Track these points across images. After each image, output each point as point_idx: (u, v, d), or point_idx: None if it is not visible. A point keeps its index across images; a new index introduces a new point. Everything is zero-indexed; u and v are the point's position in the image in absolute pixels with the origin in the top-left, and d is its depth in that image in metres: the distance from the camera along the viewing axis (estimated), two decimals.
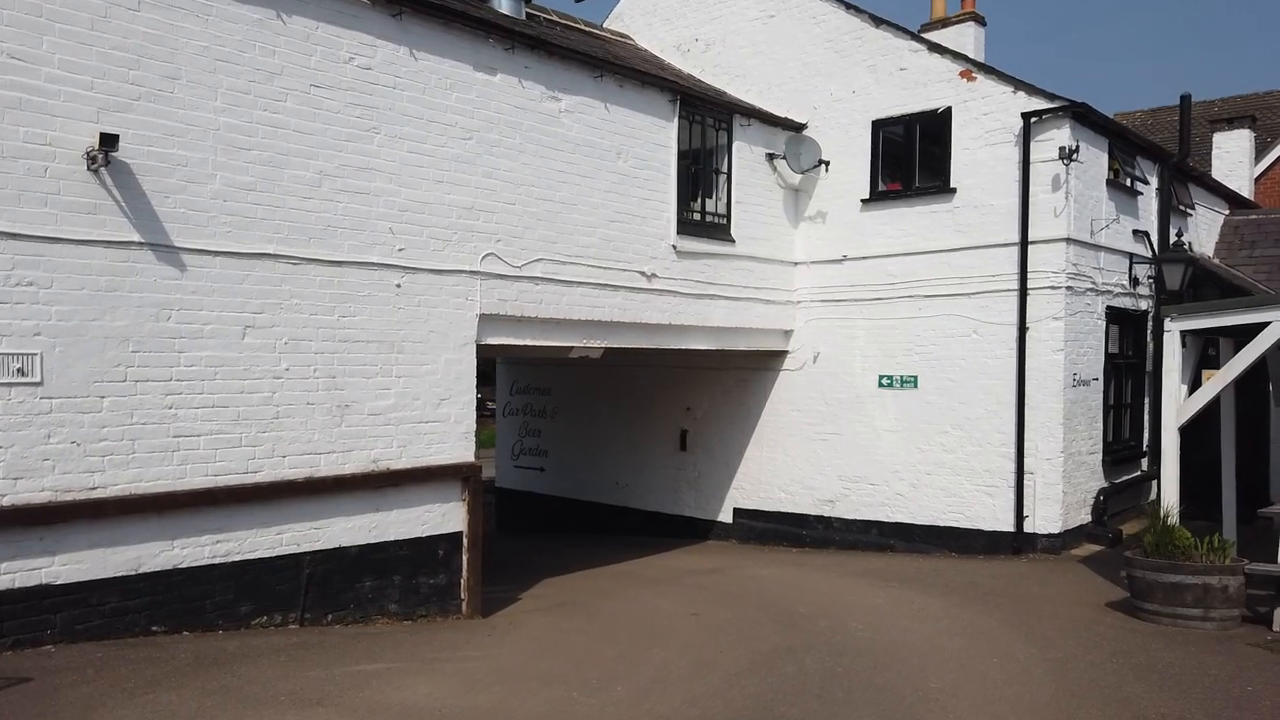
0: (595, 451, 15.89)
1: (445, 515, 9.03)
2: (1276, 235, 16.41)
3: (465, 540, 9.17)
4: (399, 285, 8.62)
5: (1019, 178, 11.51)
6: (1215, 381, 8.27)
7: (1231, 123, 19.35)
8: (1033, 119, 11.40)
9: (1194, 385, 8.99)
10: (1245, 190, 18.63)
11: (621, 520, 15.41)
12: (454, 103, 9.02)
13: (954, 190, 12.04)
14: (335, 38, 8.14)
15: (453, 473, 9.06)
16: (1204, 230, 16.00)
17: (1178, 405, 8.39)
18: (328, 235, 8.11)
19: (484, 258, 9.32)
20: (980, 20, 15.84)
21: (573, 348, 10.61)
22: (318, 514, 8.06)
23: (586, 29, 13.40)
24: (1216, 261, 15.74)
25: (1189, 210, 15.10)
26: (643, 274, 11.06)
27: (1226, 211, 17.09)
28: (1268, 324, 7.81)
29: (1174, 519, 8.19)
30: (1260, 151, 20.25)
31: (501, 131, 9.45)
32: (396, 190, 8.59)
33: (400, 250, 8.62)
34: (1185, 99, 13.54)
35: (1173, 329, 8.42)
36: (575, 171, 10.25)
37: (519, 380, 17.25)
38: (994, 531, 11.67)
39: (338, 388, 8.20)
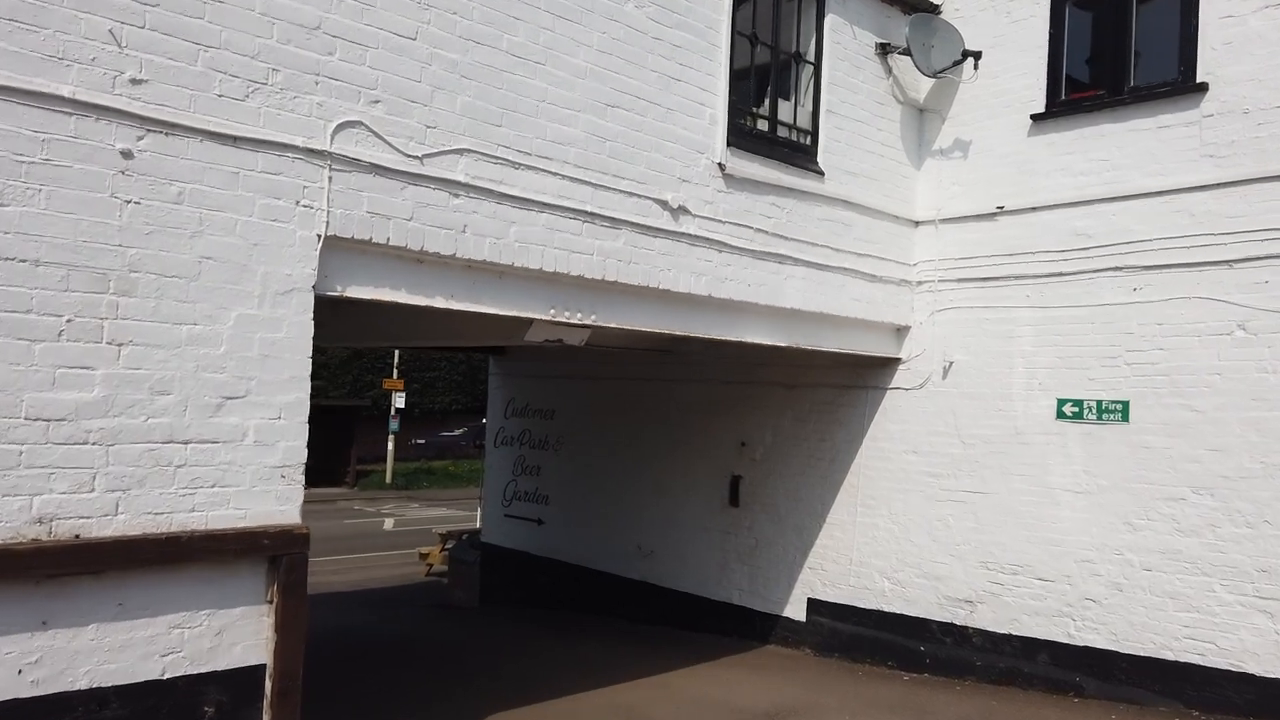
0: (609, 500, 11.21)
1: (223, 634, 4.46)
2: None
3: (270, 681, 4.59)
4: (128, 153, 4.16)
5: None
6: None
7: None
8: None
9: None
10: None
11: (643, 601, 10.68)
12: None
13: (1203, 87, 7.12)
14: None
15: (244, 546, 4.51)
16: None
17: None
18: None
19: (339, 128, 4.82)
20: None
21: (532, 322, 5.99)
22: None
23: None
24: None
25: None
26: (665, 204, 6.43)
27: None
28: None
29: None
30: None
31: None
32: None
33: (138, 83, 4.17)
34: None
35: None
36: (542, 6, 5.72)
37: (517, 397, 12.71)
38: (1273, 680, 6.58)
39: None
